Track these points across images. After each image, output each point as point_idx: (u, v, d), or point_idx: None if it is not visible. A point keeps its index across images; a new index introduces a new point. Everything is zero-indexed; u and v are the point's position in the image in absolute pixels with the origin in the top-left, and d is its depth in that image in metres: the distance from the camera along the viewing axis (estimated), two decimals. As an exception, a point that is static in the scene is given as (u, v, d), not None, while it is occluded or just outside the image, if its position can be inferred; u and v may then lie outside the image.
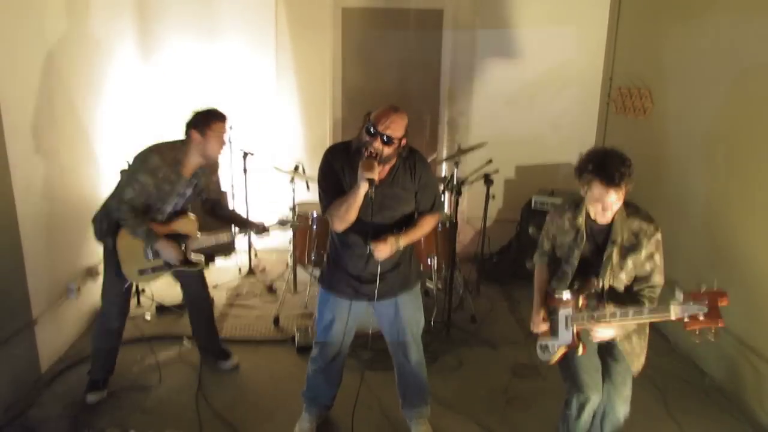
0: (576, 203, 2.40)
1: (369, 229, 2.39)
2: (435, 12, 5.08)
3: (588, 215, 2.34)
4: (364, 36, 5.12)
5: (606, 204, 2.21)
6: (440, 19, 5.09)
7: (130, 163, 2.92)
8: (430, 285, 4.12)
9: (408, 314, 2.64)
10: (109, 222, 2.91)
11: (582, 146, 5.58)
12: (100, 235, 2.97)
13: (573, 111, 5.20)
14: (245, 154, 4.56)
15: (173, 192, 2.93)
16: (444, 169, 5.27)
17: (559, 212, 2.47)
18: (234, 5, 4.89)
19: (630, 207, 2.33)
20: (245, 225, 3.23)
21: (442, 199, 4.94)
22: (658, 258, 2.31)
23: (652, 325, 2.45)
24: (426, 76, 5.23)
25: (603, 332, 2.26)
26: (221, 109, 2.94)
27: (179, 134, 2.95)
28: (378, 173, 2.29)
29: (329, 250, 2.67)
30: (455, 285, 4.23)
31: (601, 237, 2.34)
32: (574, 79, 5.14)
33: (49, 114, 3.40)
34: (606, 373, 2.45)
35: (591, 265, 2.37)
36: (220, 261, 5.06)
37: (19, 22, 3.10)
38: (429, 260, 3.83)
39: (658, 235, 2.29)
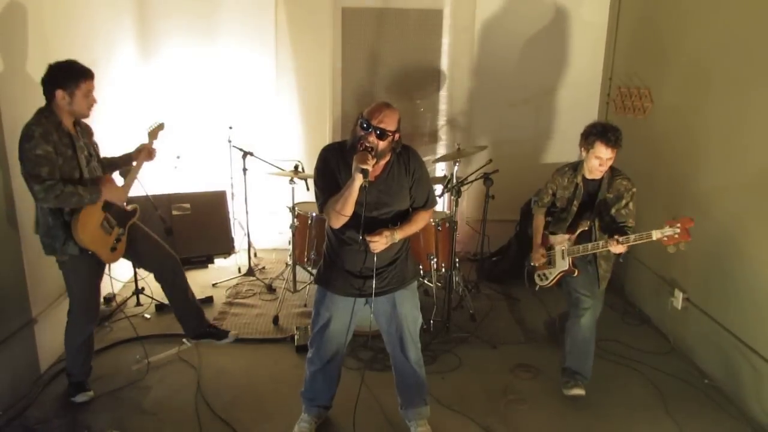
0: (574, 166, 3.21)
1: (365, 223, 2.40)
2: (435, 12, 5.08)
3: (583, 174, 3.13)
4: (364, 36, 5.12)
5: (603, 160, 2.97)
6: (440, 19, 5.09)
7: (21, 153, 2.66)
8: (429, 284, 4.12)
9: (405, 310, 2.64)
10: (54, 225, 2.74)
11: (582, 146, 5.58)
12: (60, 245, 2.77)
13: (573, 111, 5.20)
14: (245, 154, 4.56)
15: (79, 154, 2.77)
16: (444, 169, 5.27)
17: (560, 173, 3.26)
18: (234, 5, 4.89)
19: (614, 169, 3.10)
20: (129, 158, 3.15)
21: (442, 199, 4.98)
22: (632, 206, 3.06)
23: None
24: (426, 76, 5.23)
25: (616, 248, 2.89)
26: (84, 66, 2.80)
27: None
28: (372, 166, 2.31)
29: (325, 247, 2.67)
30: (455, 284, 4.23)
31: (593, 189, 3.13)
32: (574, 79, 5.14)
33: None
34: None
35: (585, 210, 3.16)
36: (219, 261, 5.06)
37: (19, 23, 3.10)
38: (429, 260, 3.83)
39: (634, 189, 3.07)
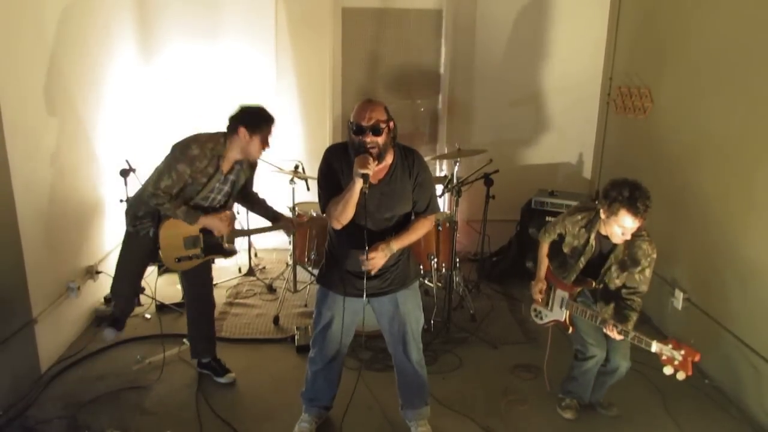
0: (591, 220, 2.75)
1: (367, 227, 2.39)
2: (435, 12, 5.08)
3: (599, 231, 2.72)
4: (364, 36, 5.12)
5: (627, 231, 2.54)
6: (440, 19, 5.09)
7: (168, 152, 2.82)
8: (430, 284, 4.12)
9: (408, 309, 2.64)
10: (146, 209, 2.91)
11: (582, 146, 5.64)
12: (132, 222, 2.97)
13: (573, 111, 5.21)
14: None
15: (208, 186, 2.86)
16: (444, 169, 5.27)
17: (572, 221, 2.81)
18: (234, 6, 4.89)
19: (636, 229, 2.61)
20: (276, 218, 3.20)
21: (442, 199, 4.97)
22: (648, 273, 2.70)
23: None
24: (425, 76, 5.23)
25: (612, 334, 2.63)
26: (268, 111, 2.89)
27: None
28: (373, 168, 2.30)
29: (327, 248, 2.66)
30: (455, 284, 4.23)
31: (606, 247, 2.73)
32: (574, 79, 5.14)
33: (49, 114, 3.40)
34: (607, 335, 2.73)
35: (592, 266, 2.78)
36: (220, 261, 5.05)
37: (20, 23, 3.10)
38: (429, 260, 3.83)
39: (654, 255, 2.68)
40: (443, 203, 5.13)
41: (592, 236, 2.73)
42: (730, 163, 3.31)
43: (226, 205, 3.03)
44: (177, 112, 5.03)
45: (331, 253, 2.64)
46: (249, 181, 3.13)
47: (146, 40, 4.88)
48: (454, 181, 4.12)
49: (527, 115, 5.25)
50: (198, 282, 3.22)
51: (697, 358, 2.35)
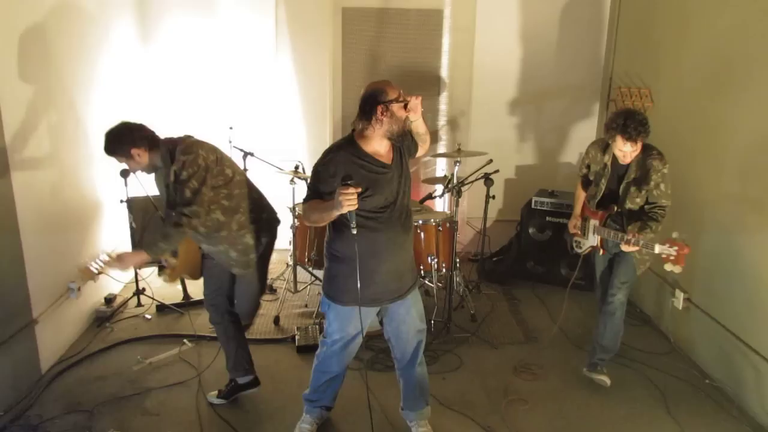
0: (606, 144, 3.09)
1: (399, 212, 2.44)
2: (435, 12, 5.08)
3: (613, 154, 3.02)
4: (364, 36, 5.11)
5: (626, 154, 2.90)
6: (440, 19, 5.09)
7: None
8: (430, 285, 4.12)
9: (418, 313, 2.64)
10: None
11: (582, 146, 5.61)
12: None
13: (573, 111, 5.21)
14: (245, 154, 4.56)
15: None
16: (444, 169, 5.27)
17: (594, 145, 3.20)
18: (234, 6, 4.89)
19: (646, 148, 2.96)
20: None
21: (443, 199, 4.98)
22: (663, 186, 2.97)
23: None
24: (426, 76, 5.23)
25: (626, 248, 2.90)
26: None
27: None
28: (356, 203, 2.16)
29: (344, 262, 2.44)
30: (455, 285, 4.23)
31: (622, 170, 3.04)
32: (574, 79, 5.14)
33: (49, 114, 3.40)
34: (614, 267, 3.18)
35: (615, 191, 3.10)
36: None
37: (19, 22, 3.10)
38: (429, 260, 3.83)
39: (665, 170, 2.96)
40: (443, 203, 5.14)
41: (607, 157, 3.07)
42: (730, 163, 3.31)
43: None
44: (175, 112, 5.03)
45: (347, 259, 2.41)
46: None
47: (145, 41, 4.88)
48: (454, 181, 4.12)
49: (527, 115, 5.25)
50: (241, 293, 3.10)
51: (686, 251, 2.65)
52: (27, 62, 3.18)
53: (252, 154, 4.55)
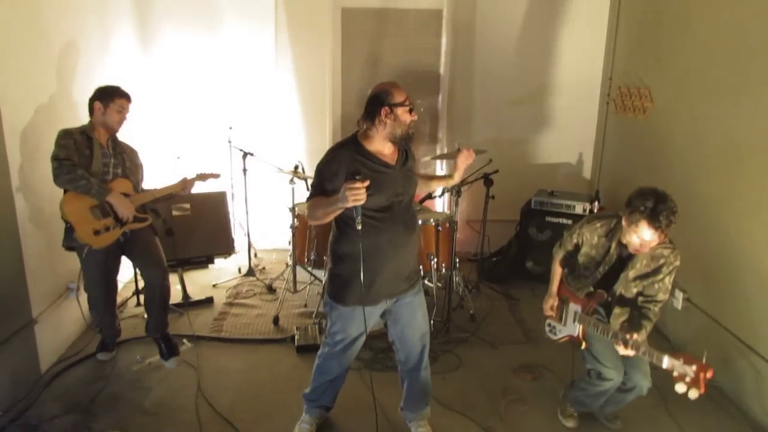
0: (612, 229, 2.61)
1: (401, 213, 2.43)
2: (435, 12, 5.08)
3: (620, 240, 2.56)
4: (364, 36, 5.12)
5: (645, 243, 2.39)
6: (440, 19, 5.09)
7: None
8: (430, 284, 4.12)
9: (423, 315, 2.63)
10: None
11: (582, 146, 5.64)
12: (68, 242, 3.13)
13: (573, 111, 5.21)
14: (245, 155, 4.56)
15: (93, 156, 3.09)
16: (443, 169, 5.27)
17: (591, 229, 2.67)
18: (234, 6, 4.89)
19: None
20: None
21: (443, 199, 4.98)
22: (668, 281, 2.54)
23: (653, 326, 2.63)
24: (425, 76, 5.23)
25: (621, 350, 2.43)
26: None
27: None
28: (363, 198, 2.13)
29: (347, 262, 2.41)
30: (455, 285, 4.23)
31: (626, 254, 2.56)
32: (574, 79, 5.14)
33: (49, 114, 3.40)
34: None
35: (608, 276, 2.62)
36: (220, 261, 5.06)
37: (19, 22, 3.10)
38: (429, 260, 3.83)
39: (677, 263, 2.53)
40: (443, 203, 5.14)
41: (614, 245, 2.58)
42: (730, 163, 3.31)
43: (128, 178, 3.25)
44: (176, 112, 5.03)
45: (349, 259, 2.39)
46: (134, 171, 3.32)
47: (146, 40, 4.88)
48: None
49: (527, 115, 5.25)
50: (146, 263, 3.30)
51: (710, 374, 2.11)
52: (27, 63, 3.19)
53: (252, 155, 4.56)
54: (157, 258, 3.32)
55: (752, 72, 3.13)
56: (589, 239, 2.67)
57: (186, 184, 3.47)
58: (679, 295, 3.68)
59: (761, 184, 3.03)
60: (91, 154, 3.09)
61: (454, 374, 3.43)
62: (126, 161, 3.28)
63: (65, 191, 3.03)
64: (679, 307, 3.68)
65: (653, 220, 2.30)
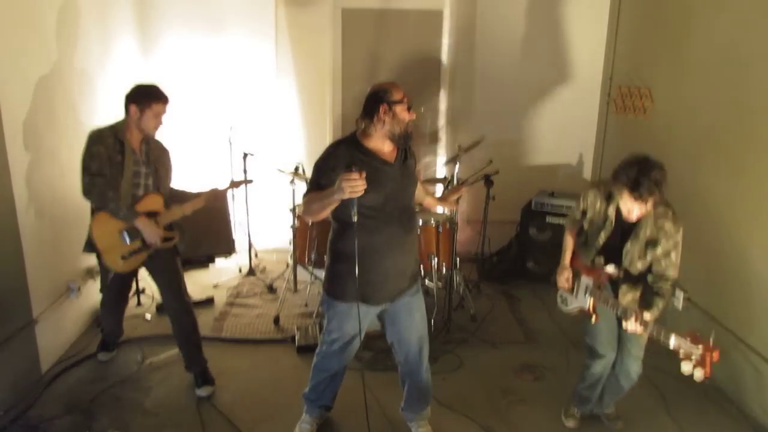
0: (610, 193, 2.57)
1: (399, 212, 2.42)
2: (435, 12, 5.08)
3: (618, 206, 2.52)
4: (364, 37, 5.12)
5: (631, 211, 2.40)
6: (440, 19, 5.10)
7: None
8: (430, 284, 4.12)
9: (421, 314, 2.63)
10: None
11: (582, 146, 5.63)
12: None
13: (573, 111, 5.20)
14: (245, 155, 4.56)
15: (125, 165, 2.93)
16: (444, 170, 5.27)
17: (594, 192, 2.65)
18: (234, 6, 4.89)
19: (660, 206, 2.48)
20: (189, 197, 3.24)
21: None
22: (674, 256, 2.48)
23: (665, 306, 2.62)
24: (426, 77, 5.23)
25: (628, 325, 2.41)
26: (162, 92, 3.12)
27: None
28: (361, 187, 2.10)
29: (344, 260, 2.40)
30: (456, 285, 4.23)
31: (628, 226, 2.53)
32: (574, 79, 5.14)
33: (49, 114, 3.40)
34: (620, 336, 2.69)
35: (614, 248, 2.58)
36: (220, 261, 5.06)
37: (19, 22, 3.10)
38: (430, 260, 3.83)
39: (678, 237, 2.47)
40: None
41: (611, 209, 2.55)
42: (730, 163, 3.31)
43: (157, 190, 3.08)
44: (176, 113, 5.01)
45: (346, 256, 2.38)
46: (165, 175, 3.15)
47: (146, 40, 4.88)
48: (455, 181, 4.12)
49: (527, 116, 5.25)
50: (165, 288, 3.16)
51: (716, 356, 2.11)
52: (28, 63, 3.19)
53: (252, 155, 4.56)
54: (177, 288, 3.14)
55: (753, 72, 3.13)
56: (592, 202, 2.65)
57: (217, 195, 3.25)
58: (680, 295, 3.67)
59: (762, 184, 3.03)
60: (122, 161, 2.92)
61: (455, 374, 3.43)
62: (158, 168, 3.08)
63: (93, 210, 2.95)
64: (680, 307, 3.68)
65: (634, 190, 2.30)
